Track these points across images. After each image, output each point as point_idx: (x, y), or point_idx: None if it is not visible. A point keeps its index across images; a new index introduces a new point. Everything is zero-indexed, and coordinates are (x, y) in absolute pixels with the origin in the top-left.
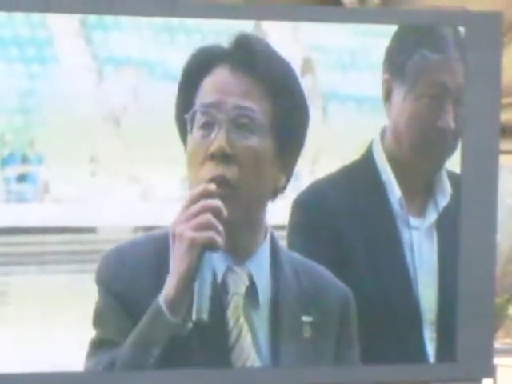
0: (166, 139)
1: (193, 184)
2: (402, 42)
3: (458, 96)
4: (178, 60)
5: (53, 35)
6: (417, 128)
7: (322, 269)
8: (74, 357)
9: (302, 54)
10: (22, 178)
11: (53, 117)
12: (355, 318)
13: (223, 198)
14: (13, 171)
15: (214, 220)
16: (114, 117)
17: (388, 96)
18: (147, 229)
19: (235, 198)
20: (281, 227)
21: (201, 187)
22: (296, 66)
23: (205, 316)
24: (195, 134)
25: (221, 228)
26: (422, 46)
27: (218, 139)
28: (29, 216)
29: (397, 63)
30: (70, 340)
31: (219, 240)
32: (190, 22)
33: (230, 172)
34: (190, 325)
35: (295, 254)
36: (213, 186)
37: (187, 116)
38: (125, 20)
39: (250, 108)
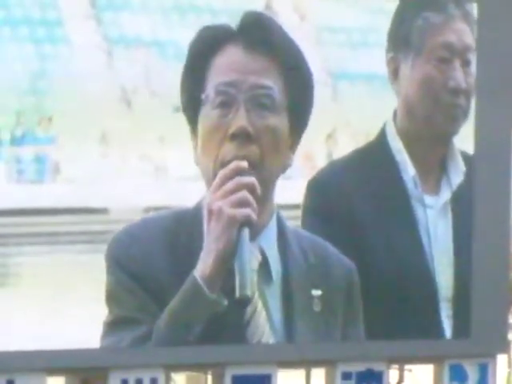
0: (176, 119)
1: (209, 165)
2: (402, 13)
3: (465, 55)
4: (188, 39)
5: (63, 16)
6: (429, 92)
7: (327, 245)
8: (87, 335)
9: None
10: (33, 159)
11: (64, 97)
12: (360, 292)
13: None
14: (24, 152)
15: (249, 197)
16: (125, 97)
17: (395, 75)
18: (158, 209)
19: (257, 177)
20: (288, 206)
21: (233, 164)
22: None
23: (248, 292)
24: (211, 113)
25: (255, 205)
26: (423, 9)
27: (239, 119)
28: (40, 196)
29: (400, 36)
30: (82, 320)
31: (254, 217)
32: (200, 1)
33: (252, 152)
34: (226, 301)
35: (301, 231)
36: (245, 163)
37: (203, 95)
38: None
39: (268, 86)
